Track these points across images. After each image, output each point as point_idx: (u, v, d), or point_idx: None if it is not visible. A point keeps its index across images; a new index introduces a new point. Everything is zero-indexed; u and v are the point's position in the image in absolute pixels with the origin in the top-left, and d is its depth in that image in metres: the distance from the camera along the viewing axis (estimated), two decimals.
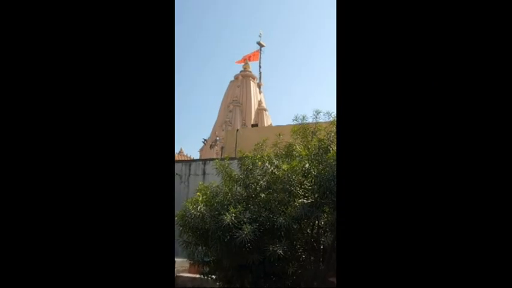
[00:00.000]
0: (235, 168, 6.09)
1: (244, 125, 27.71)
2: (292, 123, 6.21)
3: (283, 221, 4.96)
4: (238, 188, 5.86)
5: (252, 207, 5.41)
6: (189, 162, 13.43)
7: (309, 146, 5.73)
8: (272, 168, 5.71)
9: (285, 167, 5.46)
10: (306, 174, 5.39)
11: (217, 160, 6.26)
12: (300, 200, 5.25)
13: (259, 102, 30.24)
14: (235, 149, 12.73)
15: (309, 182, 5.37)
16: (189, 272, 8.71)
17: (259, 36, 34.94)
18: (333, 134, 5.62)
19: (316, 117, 5.66)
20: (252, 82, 31.03)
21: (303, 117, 6.11)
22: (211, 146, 20.85)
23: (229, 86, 31.66)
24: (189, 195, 9.41)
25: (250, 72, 32.29)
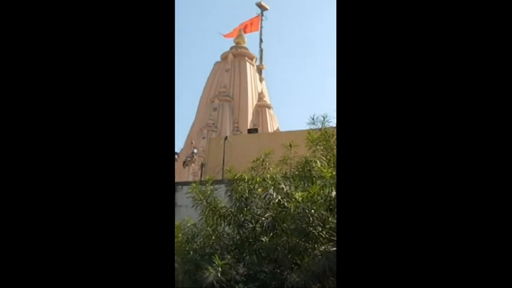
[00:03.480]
0: (222, 196, 6.14)
1: (236, 129, 26.95)
2: (308, 127, 6.32)
3: (298, 278, 4.93)
4: (227, 227, 5.93)
5: (248, 257, 5.45)
6: None
7: (335, 162, 5.63)
8: (280, 197, 5.72)
9: (299, 195, 5.47)
10: (331, 207, 5.37)
11: (194, 184, 6.28)
12: (323, 247, 5.19)
13: (260, 95, 29.44)
14: (223, 168, 12.55)
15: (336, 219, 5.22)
16: None
17: None
18: None
19: None
20: (248, 64, 29.76)
21: (324, 118, 6.13)
22: (184, 163, 20.21)
23: (213, 70, 29.99)
24: None
25: (245, 49, 30.78)
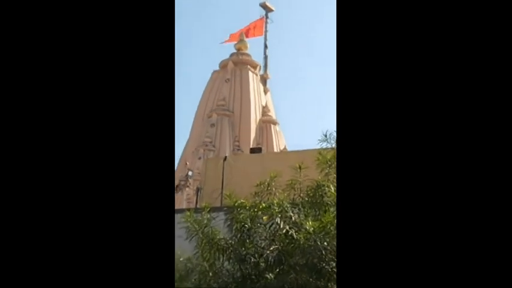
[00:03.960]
0: (220, 226, 6.04)
1: (237, 149, 26.61)
2: (320, 146, 6.23)
3: None
4: (226, 262, 5.80)
5: None
6: None
7: None
8: (287, 227, 5.61)
9: (310, 225, 5.41)
10: None
11: (188, 212, 6.16)
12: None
13: (264, 109, 29.08)
14: (221, 193, 12.30)
15: None
16: None
17: None
18: None
19: None
20: (251, 73, 29.15)
21: None
22: (178, 188, 19.79)
23: (210, 80, 29.54)
24: None
25: (248, 55, 30.14)
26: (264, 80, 30.12)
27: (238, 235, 5.79)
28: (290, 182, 6.22)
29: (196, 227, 5.93)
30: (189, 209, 6.60)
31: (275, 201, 5.87)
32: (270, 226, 5.70)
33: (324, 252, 5.29)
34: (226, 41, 30.69)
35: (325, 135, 6.12)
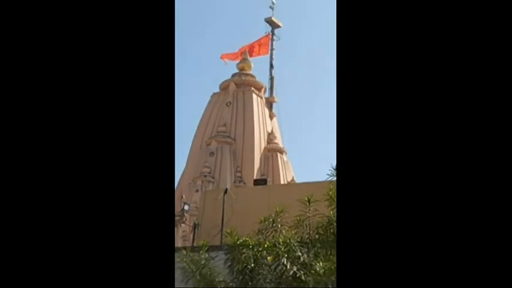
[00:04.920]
0: (220, 267, 6.00)
1: (239, 180, 26.39)
2: (332, 177, 5.99)
3: None
4: None
5: None
6: None
7: None
8: (295, 268, 5.57)
9: (320, 266, 5.40)
10: None
11: (184, 251, 6.22)
12: None
13: (270, 136, 28.80)
14: (221, 229, 12.15)
15: None
16: None
17: (271, 8, 30.74)
18: None
19: None
20: (255, 96, 28.86)
21: None
22: None
23: (210, 103, 29.26)
24: None
25: (252, 76, 29.79)
26: (269, 104, 29.48)
27: (240, 277, 5.70)
28: (298, 217, 6.09)
29: (193, 267, 5.96)
30: (185, 248, 6.59)
31: (281, 240, 5.81)
32: (276, 267, 5.60)
33: None
34: (226, 56, 29.61)
35: (335, 169, 5.87)
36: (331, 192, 5.91)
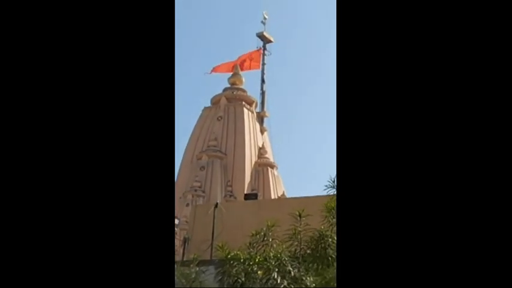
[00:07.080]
0: (210, 281, 6.10)
1: (230, 194, 26.35)
2: (326, 192, 6.12)
3: None
4: None
5: None
6: None
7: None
8: (286, 282, 5.59)
9: (311, 280, 5.48)
10: None
11: (174, 265, 6.10)
12: None
13: (261, 151, 28.83)
14: (212, 244, 12.27)
15: None
16: None
17: (263, 23, 30.83)
18: None
19: None
20: (246, 111, 28.95)
21: None
22: None
23: (201, 117, 29.23)
24: None
25: (243, 91, 29.89)
26: (260, 118, 29.67)
27: None
28: (289, 232, 6.14)
29: (184, 281, 6.05)
30: (175, 262, 6.33)
31: (272, 254, 5.92)
32: (267, 281, 5.74)
33: None
34: (216, 69, 29.69)
35: (334, 181, 5.97)
36: (328, 204, 5.98)
